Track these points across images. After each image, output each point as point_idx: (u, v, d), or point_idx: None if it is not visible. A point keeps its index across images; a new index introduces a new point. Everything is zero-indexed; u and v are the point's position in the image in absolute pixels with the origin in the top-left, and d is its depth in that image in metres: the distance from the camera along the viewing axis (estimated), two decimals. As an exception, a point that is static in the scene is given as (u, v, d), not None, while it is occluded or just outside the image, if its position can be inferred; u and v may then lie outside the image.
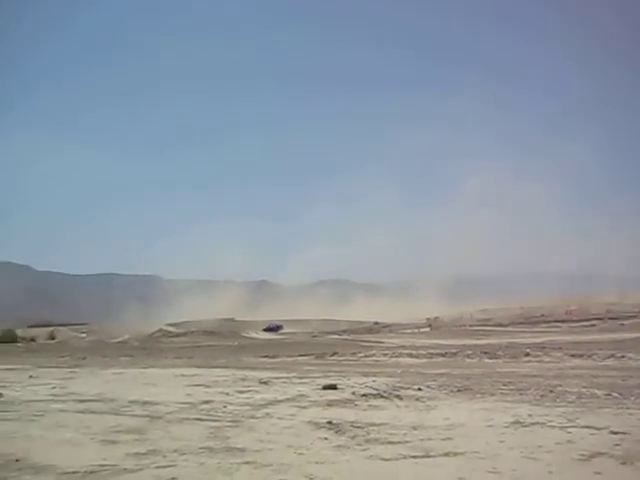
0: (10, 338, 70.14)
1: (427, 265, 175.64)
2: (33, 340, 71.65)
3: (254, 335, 65.47)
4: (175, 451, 9.42)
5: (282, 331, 73.56)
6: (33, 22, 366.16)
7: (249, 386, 18.31)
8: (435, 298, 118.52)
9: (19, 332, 77.58)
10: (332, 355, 31.92)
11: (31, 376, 24.14)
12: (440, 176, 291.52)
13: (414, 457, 8.84)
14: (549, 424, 11.04)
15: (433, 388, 16.47)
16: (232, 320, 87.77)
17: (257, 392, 16.84)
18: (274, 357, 32.39)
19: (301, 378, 20.08)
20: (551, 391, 15.48)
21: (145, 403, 15.08)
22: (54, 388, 19.40)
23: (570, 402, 13.81)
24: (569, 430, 10.41)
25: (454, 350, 30.28)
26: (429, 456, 8.88)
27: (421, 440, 9.94)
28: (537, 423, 11.16)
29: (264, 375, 21.16)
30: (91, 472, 8.24)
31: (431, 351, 30.59)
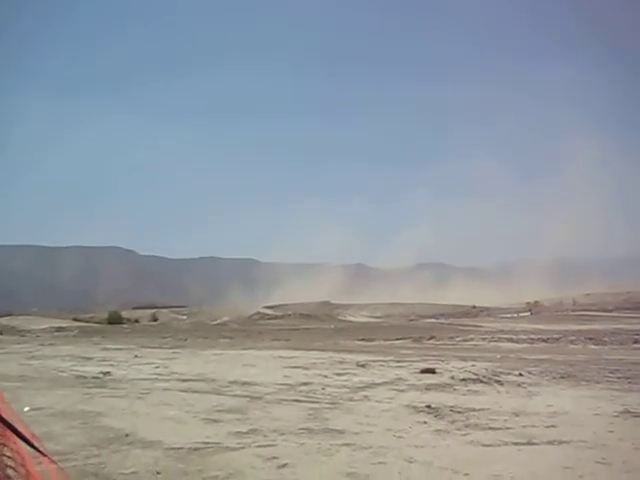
0: (116, 319, 73.45)
1: (531, 248, 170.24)
2: (137, 321, 74.41)
3: (350, 318, 65.67)
4: (275, 431, 9.57)
5: (378, 314, 73.39)
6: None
7: (347, 369, 18.37)
8: (537, 282, 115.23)
9: (124, 314, 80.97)
10: (429, 339, 31.58)
11: (136, 356, 25.16)
12: (544, 157, 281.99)
13: (516, 444, 8.63)
14: (662, 415, 10.52)
15: (535, 374, 16.00)
16: (328, 303, 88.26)
17: (355, 375, 16.89)
18: (371, 340, 32.34)
19: (398, 362, 19.98)
20: (663, 380, 14.76)
21: (245, 384, 15.42)
22: (158, 367, 20.14)
23: (685, 392, 13.13)
24: (686, 422, 9.90)
25: (556, 335, 29.33)
26: (532, 444, 8.64)
27: (523, 427, 9.69)
28: (649, 413, 10.66)
29: (361, 358, 21.17)
30: (195, 449, 8.49)
31: (532, 336, 29.74)
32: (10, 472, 4.71)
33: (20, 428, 4.04)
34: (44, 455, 3.62)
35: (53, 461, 3.61)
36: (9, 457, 4.52)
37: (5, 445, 4.88)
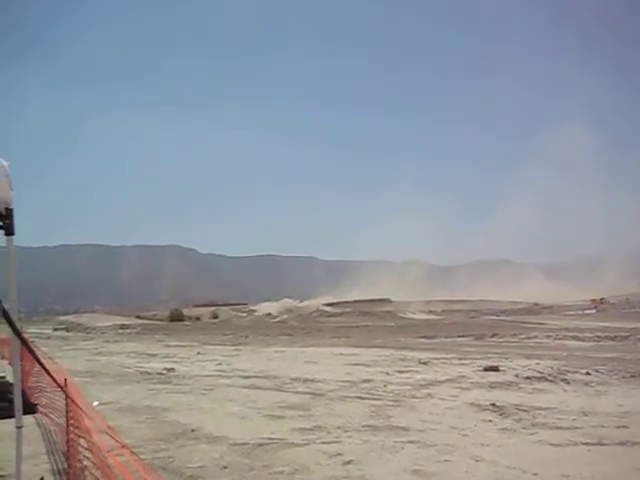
0: (178, 317, 75.04)
1: (608, 242, 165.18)
2: (198, 319, 75.85)
3: (411, 315, 65.24)
4: (339, 428, 9.57)
5: (440, 311, 72.65)
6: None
7: (408, 366, 18.28)
8: (609, 278, 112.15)
9: (185, 311, 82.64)
10: (492, 336, 31.18)
11: (199, 353, 25.62)
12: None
13: (586, 444, 8.40)
14: None
15: (603, 373, 15.58)
16: (387, 301, 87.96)
17: (417, 372, 16.79)
18: (432, 338, 32.12)
19: (461, 359, 19.77)
20: None
21: (307, 380, 15.51)
22: (220, 364, 20.45)
23: None
24: None
25: (624, 333, 28.46)
26: (602, 444, 8.40)
27: (593, 427, 9.43)
28: None
29: (423, 355, 21.04)
30: (260, 444, 8.55)
31: (598, 334, 28.95)
32: (87, 463, 4.89)
33: (96, 421, 4.17)
34: (123, 446, 3.71)
35: (131, 452, 3.68)
36: (86, 448, 4.68)
37: (81, 436, 5.06)
